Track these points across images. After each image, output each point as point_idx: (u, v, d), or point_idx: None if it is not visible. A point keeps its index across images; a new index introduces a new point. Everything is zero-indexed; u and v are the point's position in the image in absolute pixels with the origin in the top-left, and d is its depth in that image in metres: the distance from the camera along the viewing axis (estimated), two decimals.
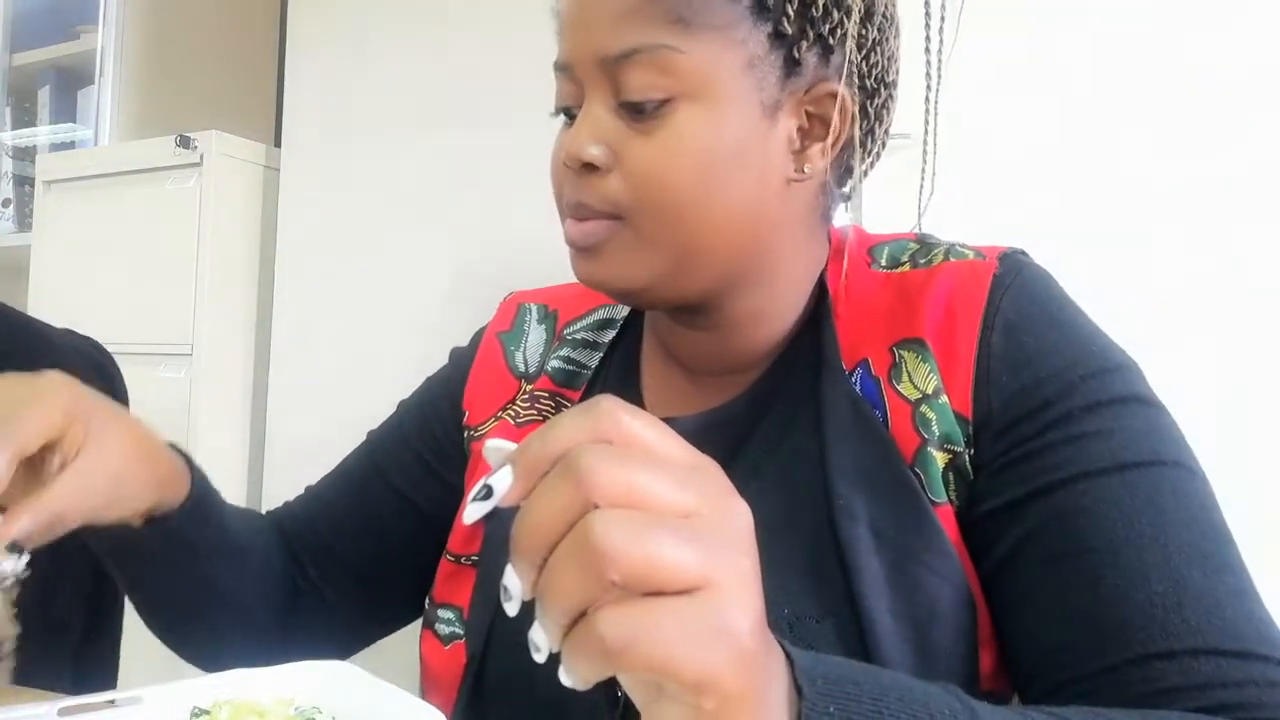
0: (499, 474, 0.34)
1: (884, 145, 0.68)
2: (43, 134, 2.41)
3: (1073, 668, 0.51)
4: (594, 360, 0.73)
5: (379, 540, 0.76)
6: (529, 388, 0.74)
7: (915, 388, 0.59)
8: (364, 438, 0.82)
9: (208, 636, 0.72)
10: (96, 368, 1.14)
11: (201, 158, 1.93)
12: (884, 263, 0.65)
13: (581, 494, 0.31)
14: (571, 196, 0.60)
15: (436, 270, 1.76)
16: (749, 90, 0.58)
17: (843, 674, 0.38)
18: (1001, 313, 0.58)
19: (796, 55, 0.59)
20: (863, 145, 0.63)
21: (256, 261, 2.02)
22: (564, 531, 0.31)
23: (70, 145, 2.33)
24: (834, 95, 0.60)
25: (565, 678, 0.32)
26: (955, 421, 0.57)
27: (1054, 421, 0.55)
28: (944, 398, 0.58)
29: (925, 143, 0.65)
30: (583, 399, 0.71)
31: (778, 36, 0.58)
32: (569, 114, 0.62)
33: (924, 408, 0.58)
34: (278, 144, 2.02)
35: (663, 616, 0.31)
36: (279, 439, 1.90)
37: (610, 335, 0.74)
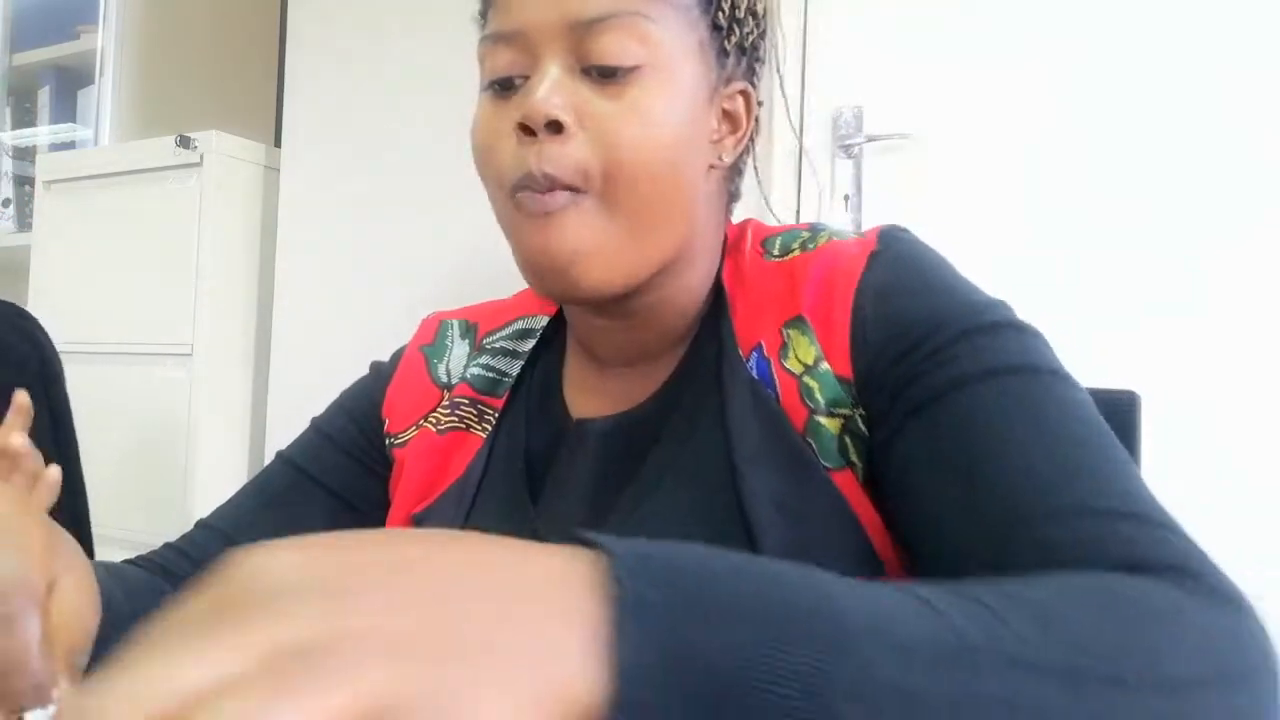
0: None
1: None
2: (43, 134, 2.41)
3: (976, 564, 0.49)
4: (515, 368, 0.74)
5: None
6: (450, 395, 0.75)
7: (799, 362, 0.62)
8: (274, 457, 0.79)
9: None
10: (24, 333, 1.02)
11: (201, 158, 1.93)
12: (776, 253, 0.68)
13: None
14: (537, 166, 0.58)
15: (437, 271, 1.76)
16: (700, 72, 0.62)
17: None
18: (873, 282, 0.60)
19: (726, 49, 0.64)
20: (749, 148, 0.69)
21: (256, 261, 2.02)
22: None
23: (70, 145, 2.33)
24: (746, 94, 0.67)
25: None
26: (838, 385, 0.60)
27: (926, 354, 0.56)
28: (824, 365, 0.60)
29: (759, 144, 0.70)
30: (506, 406, 0.72)
31: (716, 28, 0.63)
32: (507, 85, 0.61)
33: (807, 378, 0.61)
34: (278, 144, 2.02)
35: None
36: (279, 439, 1.90)
37: (530, 344, 0.75)
